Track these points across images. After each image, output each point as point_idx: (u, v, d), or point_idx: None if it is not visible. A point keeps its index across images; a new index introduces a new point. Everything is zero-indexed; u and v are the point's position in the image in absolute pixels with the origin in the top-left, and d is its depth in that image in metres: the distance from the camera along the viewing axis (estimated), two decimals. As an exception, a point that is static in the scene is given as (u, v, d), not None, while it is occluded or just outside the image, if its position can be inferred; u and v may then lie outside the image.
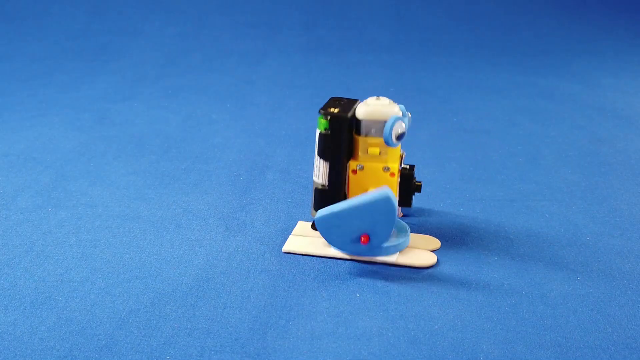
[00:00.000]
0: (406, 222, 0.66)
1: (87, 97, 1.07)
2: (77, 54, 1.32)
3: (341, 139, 0.59)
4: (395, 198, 0.57)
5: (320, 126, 0.60)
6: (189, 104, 1.04)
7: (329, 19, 1.54)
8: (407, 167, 0.65)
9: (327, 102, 0.62)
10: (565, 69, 1.26)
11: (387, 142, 0.59)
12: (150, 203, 0.72)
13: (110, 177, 0.78)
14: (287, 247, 0.62)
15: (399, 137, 0.59)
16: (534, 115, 1.01)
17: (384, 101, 0.61)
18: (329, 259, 0.61)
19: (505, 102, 1.06)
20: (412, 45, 1.40)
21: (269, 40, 1.42)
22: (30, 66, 1.24)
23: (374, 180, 0.61)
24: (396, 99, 1.08)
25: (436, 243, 0.63)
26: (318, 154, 0.60)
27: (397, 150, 0.61)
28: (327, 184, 0.61)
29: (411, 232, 0.64)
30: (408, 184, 0.64)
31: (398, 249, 0.60)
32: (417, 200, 0.73)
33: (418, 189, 0.65)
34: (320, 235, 0.61)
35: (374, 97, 0.61)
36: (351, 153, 0.62)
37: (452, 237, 0.65)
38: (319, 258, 0.61)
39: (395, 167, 0.61)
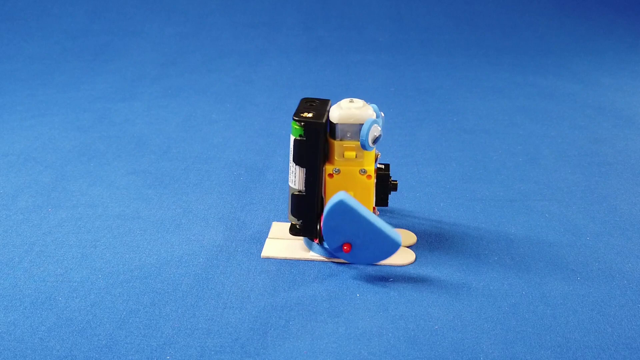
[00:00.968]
0: (406, 222, 0.66)
1: (87, 97, 1.07)
2: (77, 54, 1.32)
3: (317, 145, 0.58)
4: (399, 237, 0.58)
5: (294, 132, 0.58)
6: (189, 104, 1.04)
7: (329, 19, 1.54)
8: (382, 166, 0.64)
9: (300, 105, 0.60)
10: (565, 69, 1.26)
11: (364, 147, 0.58)
12: (150, 203, 0.72)
13: (110, 177, 0.78)
14: (265, 253, 0.62)
15: (375, 140, 0.58)
16: (534, 115, 1.01)
17: (358, 103, 0.59)
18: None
19: (505, 102, 1.06)
20: (412, 45, 1.40)
21: (268, 40, 1.42)
22: (30, 66, 1.24)
23: (351, 184, 0.60)
24: (396, 99, 1.08)
25: (412, 238, 0.64)
26: (294, 161, 0.59)
27: (372, 151, 0.61)
28: (303, 189, 0.60)
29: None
30: (385, 184, 0.63)
31: None
32: (417, 199, 0.73)
33: (394, 187, 0.64)
34: (295, 238, 0.62)
35: (347, 100, 0.60)
36: (326, 157, 0.60)
37: (452, 237, 0.65)
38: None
39: (371, 169, 0.60)
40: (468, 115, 1.00)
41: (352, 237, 0.57)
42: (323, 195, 0.61)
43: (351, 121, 0.58)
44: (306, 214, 0.60)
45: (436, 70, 1.24)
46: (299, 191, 0.60)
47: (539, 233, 0.66)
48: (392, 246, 0.58)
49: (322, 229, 0.58)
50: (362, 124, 0.58)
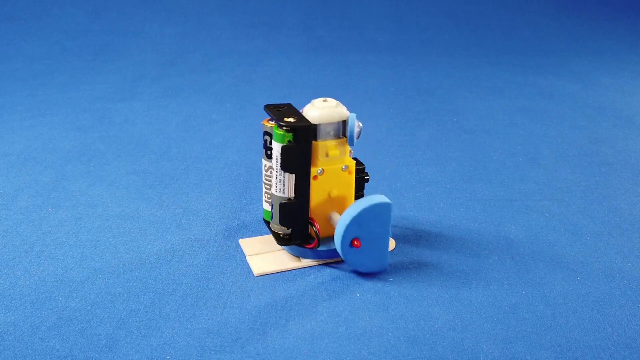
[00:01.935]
0: (406, 222, 0.66)
1: (87, 97, 1.07)
2: (77, 54, 1.32)
3: (309, 149, 0.57)
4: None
5: (279, 139, 0.56)
6: (189, 104, 1.04)
7: (329, 19, 1.54)
8: (354, 161, 0.64)
9: (271, 112, 0.58)
10: (565, 69, 1.26)
11: (351, 142, 0.58)
12: (150, 203, 0.72)
13: (110, 177, 0.78)
14: (258, 271, 0.59)
15: (359, 135, 0.59)
16: (534, 115, 1.01)
17: (332, 102, 0.59)
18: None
19: (505, 102, 1.06)
20: (412, 45, 1.40)
21: (268, 40, 1.42)
22: (30, 66, 1.24)
23: (335, 182, 0.60)
24: (396, 99, 1.08)
25: (391, 243, 0.63)
26: (282, 168, 0.57)
27: (347, 146, 0.60)
28: (293, 196, 0.58)
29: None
30: (361, 177, 0.63)
31: None
32: (417, 199, 0.73)
33: (367, 180, 0.64)
34: (279, 248, 0.62)
35: (321, 99, 0.59)
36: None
37: (452, 237, 0.65)
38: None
39: (352, 163, 0.60)
40: (468, 115, 1.00)
41: (367, 238, 0.57)
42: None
43: (334, 119, 0.58)
44: (298, 221, 0.59)
45: (436, 70, 1.24)
46: (289, 199, 0.58)
47: (539, 233, 0.66)
48: (383, 264, 0.59)
49: (352, 217, 0.57)
50: (341, 121, 0.59)
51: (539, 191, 0.75)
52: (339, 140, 0.59)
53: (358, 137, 0.59)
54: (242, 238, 0.64)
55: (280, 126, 0.56)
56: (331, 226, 0.60)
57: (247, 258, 0.61)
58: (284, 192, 0.58)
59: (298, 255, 0.61)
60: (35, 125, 0.94)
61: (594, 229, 0.67)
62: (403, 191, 0.75)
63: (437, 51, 1.36)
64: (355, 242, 0.57)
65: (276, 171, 0.58)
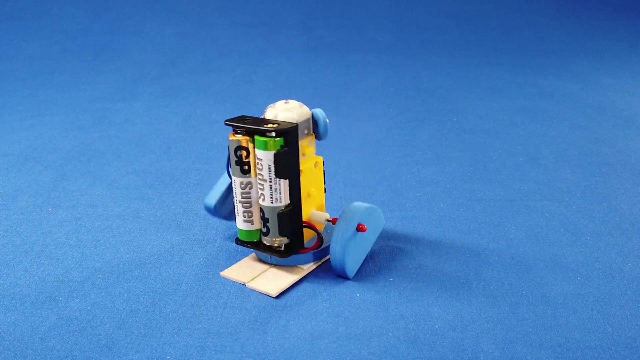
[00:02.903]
0: (406, 221, 0.66)
1: (87, 97, 1.07)
2: (77, 54, 1.32)
3: (297, 149, 0.55)
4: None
5: (271, 147, 0.53)
6: (189, 104, 1.04)
7: (329, 19, 1.54)
8: None
9: (245, 123, 0.55)
10: (565, 69, 1.26)
11: (324, 136, 0.58)
12: (150, 203, 0.72)
13: (110, 177, 0.78)
14: (275, 290, 0.56)
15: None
16: (534, 115, 1.01)
17: (294, 102, 0.58)
18: (329, 259, 0.61)
19: (505, 102, 1.06)
20: (412, 45, 1.40)
21: (268, 40, 1.42)
22: (30, 66, 1.24)
23: (310, 179, 0.59)
24: (396, 99, 1.08)
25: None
26: (277, 176, 0.54)
27: (314, 143, 0.60)
28: (289, 202, 0.55)
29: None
30: (324, 171, 0.63)
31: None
32: (417, 199, 0.73)
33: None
34: (270, 266, 0.59)
35: (282, 102, 0.57)
36: None
37: (452, 237, 0.65)
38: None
39: (320, 159, 0.60)
40: (468, 115, 1.00)
41: (364, 233, 0.59)
42: None
43: (306, 117, 0.58)
44: (297, 227, 0.57)
45: (436, 70, 1.24)
46: (286, 206, 0.56)
47: (539, 233, 0.66)
48: (353, 269, 0.59)
49: (367, 206, 0.58)
50: (310, 118, 0.58)
51: (539, 191, 0.75)
52: (309, 137, 0.59)
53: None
54: (221, 271, 0.59)
55: (268, 133, 0.53)
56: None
57: (249, 285, 0.57)
58: (280, 201, 0.55)
59: (301, 264, 0.59)
60: (35, 125, 0.94)
61: (594, 229, 0.67)
62: (403, 191, 0.75)
63: (437, 51, 1.36)
64: (361, 226, 0.58)
65: (269, 181, 0.55)
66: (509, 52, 1.36)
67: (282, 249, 0.57)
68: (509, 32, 1.48)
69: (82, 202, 0.72)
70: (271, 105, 0.58)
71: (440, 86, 1.14)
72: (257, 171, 0.55)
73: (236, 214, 0.58)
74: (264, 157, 0.54)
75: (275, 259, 0.59)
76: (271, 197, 0.55)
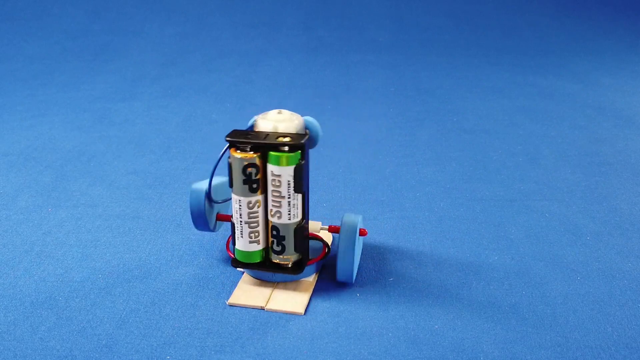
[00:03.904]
0: (406, 221, 0.66)
1: (87, 97, 1.07)
2: (77, 54, 1.32)
3: (308, 160, 0.53)
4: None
5: (291, 162, 0.51)
6: (189, 104, 1.04)
7: (329, 19, 1.54)
8: None
9: (253, 136, 0.52)
10: (565, 68, 1.26)
11: (316, 143, 0.55)
12: (150, 203, 0.72)
13: (110, 177, 0.78)
14: (301, 307, 0.54)
15: None
16: (534, 115, 1.01)
17: (287, 113, 0.54)
18: (330, 258, 0.61)
19: (505, 102, 1.06)
20: (412, 45, 1.40)
21: (268, 40, 1.42)
22: (30, 66, 1.24)
23: None
24: (396, 99, 1.08)
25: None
26: (295, 191, 0.52)
27: None
28: (301, 217, 0.54)
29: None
30: None
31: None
32: (417, 199, 0.73)
33: None
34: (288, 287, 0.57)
35: (275, 112, 0.54)
36: None
37: (453, 237, 0.65)
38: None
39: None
40: (468, 115, 1.00)
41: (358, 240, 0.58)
42: None
43: (302, 126, 0.54)
44: (307, 241, 0.55)
45: (436, 70, 1.24)
46: (302, 220, 0.54)
47: (539, 233, 0.66)
48: (347, 275, 0.57)
49: (360, 216, 0.57)
50: (303, 127, 0.55)
51: (539, 191, 0.75)
52: None
53: None
54: (227, 300, 0.55)
55: (286, 148, 0.51)
56: None
57: (269, 308, 0.54)
58: (297, 217, 0.53)
59: (308, 275, 0.58)
60: (35, 125, 0.94)
61: (594, 229, 0.67)
62: (403, 191, 0.75)
63: (437, 51, 1.36)
64: (362, 230, 0.58)
65: (288, 197, 0.52)
66: (509, 52, 1.36)
67: (290, 265, 0.55)
68: (509, 32, 1.48)
69: (82, 202, 0.72)
70: (261, 116, 0.54)
71: (440, 86, 1.14)
72: (273, 188, 0.52)
73: (237, 236, 0.54)
74: (283, 173, 0.51)
75: (279, 276, 0.56)
76: (289, 214, 0.53)
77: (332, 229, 0.59)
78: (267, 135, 0.52)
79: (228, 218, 0.61)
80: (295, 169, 0.51)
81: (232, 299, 0.55)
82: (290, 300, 0.55)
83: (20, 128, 0.93)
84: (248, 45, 1.38)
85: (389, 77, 1.19)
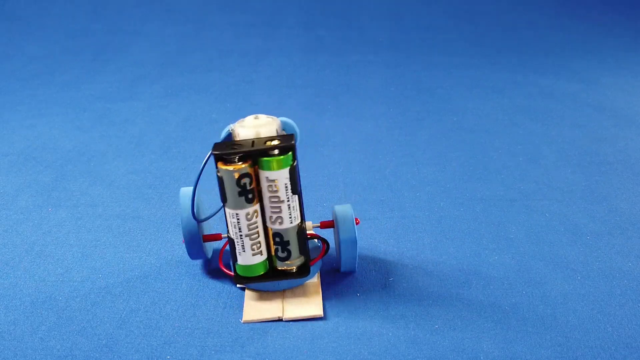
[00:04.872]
0: (406, 221, 0.66)
1: (87, 97, 1.07)
2: (77, 54, 1.32)
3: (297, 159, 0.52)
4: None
5: (285, 164, 0.50)
6: (189, 104, 1.04)
7: (329, 19, 1.54)
8: None
9: (239, 146, 0.51)
10: (565, 68, 1.26)
11: (297, 142, 0.54)
12: (150, 203, 0.72)
13: (110, 176, 0.78)
14: (318, 311, 0.54)
15: None
16: (534, 114, 1.01)
17: (265, 117, 0.54)
18: (329, 258, 0.61)
19: (505, 102, 1.06)
20: (412, 45, 1.40)
21: (269, 40, 1.42)
22: (30, 66, 1.24)
23: None
24: (396, 99, 1.08)
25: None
26: (294, 193, 0.51)
27: None
28: (300, 219, 0.53)
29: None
30: None
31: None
32: (417, 199, 0.73)
33: None
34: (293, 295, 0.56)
35: (252, 117, 0.53)
36: None
37: (452, 237, 0.65)
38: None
39: None
40: (468, 114, 1.00)
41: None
42: None
43: (280, 127, 0.54)
44: (306, 241, 0.54)
45: (436, 70, 1.24)
46: (300, 223, 0.53)
47: (539, 233, 0.66)
48: (351, 264, 0.57)
49: (349, 208, 0.57)
50: (283, 126, 0.54)
51: (539, 191, 0.75)
52: None
53: None
54: (241, 319, 0.54)
55: (277, 153, 0.50)
56: None
57: (288, 317, 0.53)
58: (297, 219, 0.52)
59: (309, 279, 0.57)
60: (35, 125, 0.94)
61: (594, 228, 0.67)
62: (403, 191, 0.75)
63: (437, 51, 1.36)
64: (356, 219, 0.57)
65: (287, 201, 0.51)
66: (509, 52, 1.36)
67: (295, 270, 0.54)
68: (509, 32, 1.48)
69: (82, 202, 0.72)
70: (238, 124, 0.53)
71: (440, 86, 1.14)
72: (271, 194, 0.51)
73: (238, 251, 0.52)
74: (279, 177, 0.50)
75: (283, 283, 0.56)
76: (290, 217, 0.52)
77: (324, 225, 0.59)
78: (253, 142, 0.51)
79: (216, 237, 0.59)
80: (290, 171, 0.50)
81: (246, 317, 0.53)
82: (305, 304, 0.54)
83: (21, 128, 0.93)
84: (248, 45, 1.38)
85: (389, 77, 1.19)
